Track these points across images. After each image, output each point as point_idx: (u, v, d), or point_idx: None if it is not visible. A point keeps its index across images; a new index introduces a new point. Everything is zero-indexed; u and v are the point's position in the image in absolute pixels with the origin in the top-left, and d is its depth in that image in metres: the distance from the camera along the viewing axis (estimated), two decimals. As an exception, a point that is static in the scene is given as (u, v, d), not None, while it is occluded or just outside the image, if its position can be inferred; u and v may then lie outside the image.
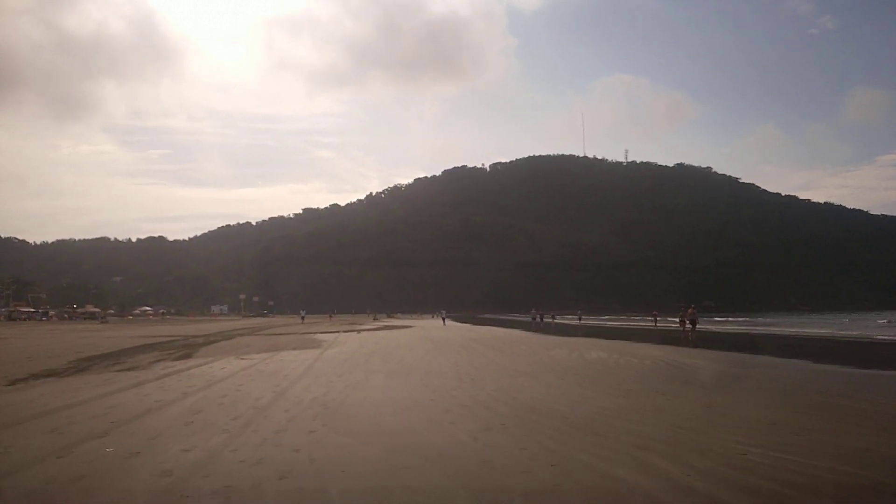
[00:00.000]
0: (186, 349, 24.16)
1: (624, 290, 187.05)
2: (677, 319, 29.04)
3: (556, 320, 71.05)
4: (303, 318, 76.75)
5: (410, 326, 54.34)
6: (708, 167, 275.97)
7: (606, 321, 74.84)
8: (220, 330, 47.11)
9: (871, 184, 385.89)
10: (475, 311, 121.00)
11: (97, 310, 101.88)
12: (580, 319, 71.43)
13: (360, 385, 12.63)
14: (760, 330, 43.41)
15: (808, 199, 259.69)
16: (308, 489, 5.69)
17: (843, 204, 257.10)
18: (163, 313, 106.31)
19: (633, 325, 54.87)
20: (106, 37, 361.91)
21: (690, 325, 27.57)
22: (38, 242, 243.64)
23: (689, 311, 28.24)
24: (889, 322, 53.91)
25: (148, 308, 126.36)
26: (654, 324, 45.64)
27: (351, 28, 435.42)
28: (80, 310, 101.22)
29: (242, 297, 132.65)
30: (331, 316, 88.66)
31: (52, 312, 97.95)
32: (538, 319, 66.87)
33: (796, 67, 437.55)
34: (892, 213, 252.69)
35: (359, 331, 41.85)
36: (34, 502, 5.61)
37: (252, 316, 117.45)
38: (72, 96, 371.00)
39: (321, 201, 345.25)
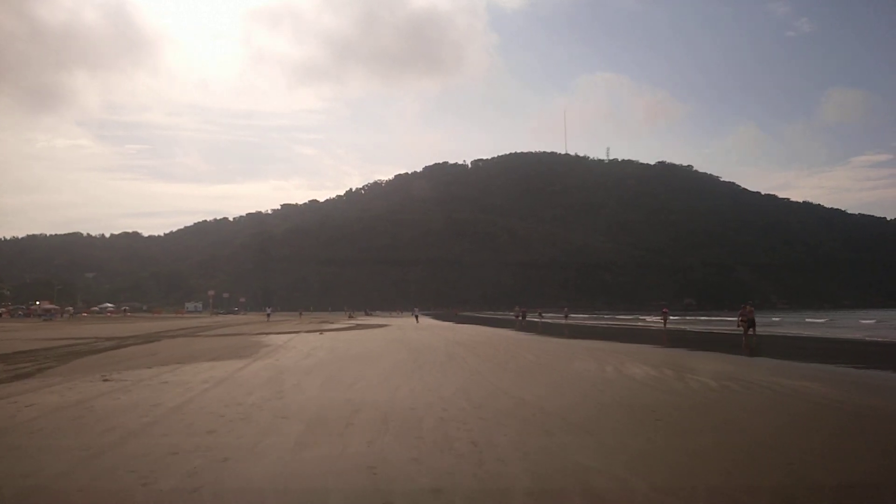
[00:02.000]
0: (54, 361, 16.75)
1: (608, 289, 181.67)
2: (735, 320, 22.16)
3: (543, 319, 64.34)
4: (268, 315, 69.56)
5: (385, 325, 47.15)
6: (689, 165, 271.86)
7: (599, 319, 68.34)
8: (161, 330, 39.50)
9: (846, 184, 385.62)
10: (458, 309, 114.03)
11: (54, 307, 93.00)
12: (567, 318, 65.11)
13: (217, 477, 5.44)
14: (810, 333, 36.54)
15: (787, 199, 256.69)
16: None
17: (821, 204, 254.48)
18: (125, 310, 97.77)
19: (638, 325, 48.18)
20: (79, 27, 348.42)
21: (749, 326, 20.83)
22: (8, 238, 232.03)
23: (747, 308, 21.47)
24: None
25: (109, 305, 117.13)
26: (663, 324, 38.79)
27: (331, 22, 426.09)
28: (33, 307, 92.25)
29: (211, 293, 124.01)
30: (301, 314, 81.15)
31: (1, 310, 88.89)
32: (521, 318, 60.51)
33: (774, 69, 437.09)
34: (868, 213, 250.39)
35: (322, 331, 34.55)
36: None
37: (221, 313, 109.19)
38: (45, 87, 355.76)
39: (302, 198, 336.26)
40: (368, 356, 18.24)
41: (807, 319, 57.68)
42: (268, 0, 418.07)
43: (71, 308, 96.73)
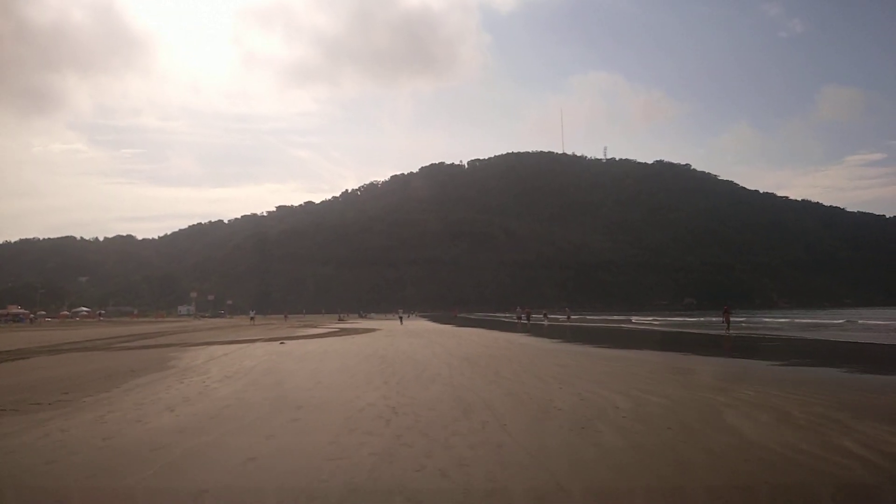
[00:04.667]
0: None
1: (606, 289, 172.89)
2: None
3: (548, 321, 55.55)
4: (252, 318, 61.48)
5: (374, 331, 38.05)
6: (687, 164, 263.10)
7: (608, 321, 59.32)
8: (88, 338, 30.46)
9: (841, 184, 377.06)
10: (456, 310, 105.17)
11: (22, 311, 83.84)
12: (569, 319, 57.41)
13: None
14: None
15: (786, 197, 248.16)
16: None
17: (820, 202, 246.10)
18: (99, 314, 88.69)
19: (687, 329, 37.76)
20: (68, 27, 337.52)
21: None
22: (1, 242, 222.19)
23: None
24: None
25: (84, 309, 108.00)
26: (725, 328, 29.67)
27: (323, 22, 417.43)
28: (1, 311, 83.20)
29: (194, 294, 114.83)
30: (286, 317, 72.40)
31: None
32: (524, 319, 52.79)
33: (768, 68, 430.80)
34: (867, 211, 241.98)
35: (283, 341, 25.50)
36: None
37: (207, 316, 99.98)
38: (35, 89, 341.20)
39: (298, 201, 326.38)
40: (308, 399, 9.23)
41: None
42: (259, 0, 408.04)
43: (43, 312, 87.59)
